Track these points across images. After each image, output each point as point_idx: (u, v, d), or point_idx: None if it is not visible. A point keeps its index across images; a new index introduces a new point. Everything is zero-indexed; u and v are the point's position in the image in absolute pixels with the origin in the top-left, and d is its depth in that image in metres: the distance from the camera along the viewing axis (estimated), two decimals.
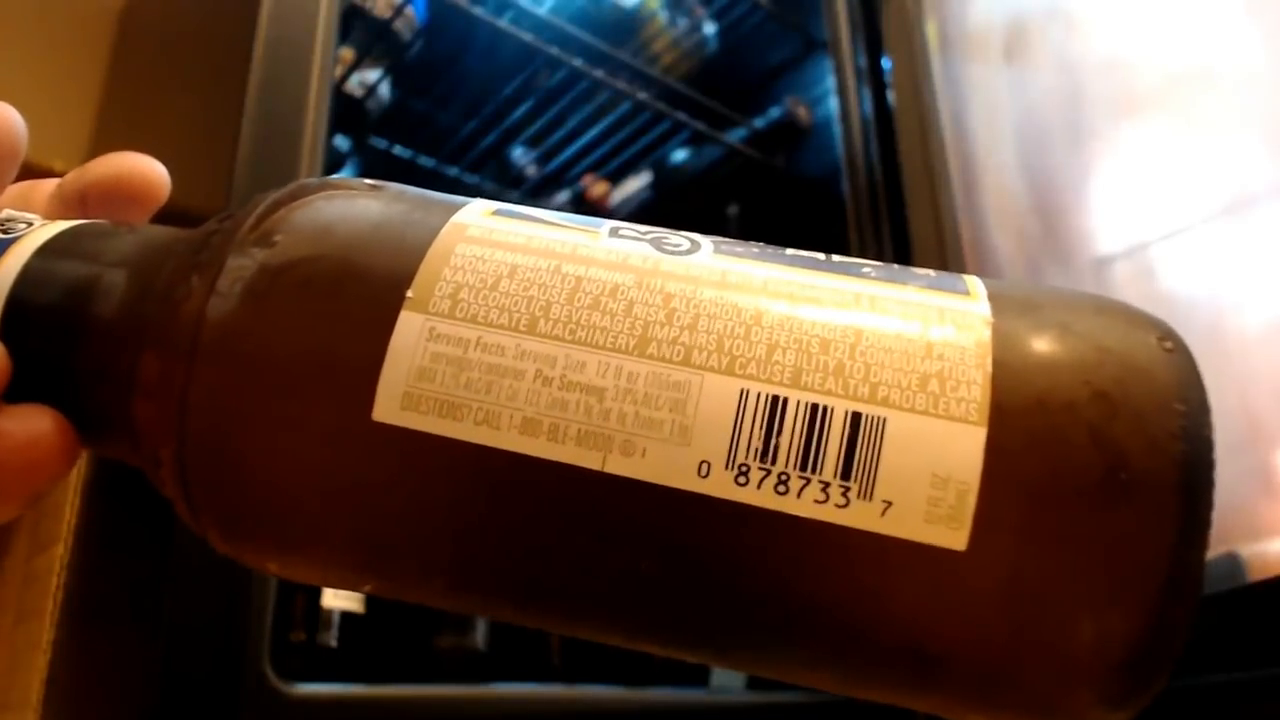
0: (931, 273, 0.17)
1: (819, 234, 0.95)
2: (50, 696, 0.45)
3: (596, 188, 0.99)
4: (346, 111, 0.78)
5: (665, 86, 0.92)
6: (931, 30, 0.97)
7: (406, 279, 0.16)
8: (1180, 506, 0.14)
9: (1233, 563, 0.63)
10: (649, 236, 0.17)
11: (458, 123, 0.91)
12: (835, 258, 0.17)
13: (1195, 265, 0.74)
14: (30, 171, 0.20)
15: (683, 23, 0.98)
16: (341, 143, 0.82)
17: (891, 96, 0.97)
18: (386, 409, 0.15)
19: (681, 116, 0.90)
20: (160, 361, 0.16)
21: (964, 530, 0.14)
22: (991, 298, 0.16)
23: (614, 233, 0.17)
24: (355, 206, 0.17)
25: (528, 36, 0.78)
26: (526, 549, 0.16)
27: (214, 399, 0.16)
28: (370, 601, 0.59)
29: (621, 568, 0.15)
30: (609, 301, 0.16)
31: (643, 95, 0.88)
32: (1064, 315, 0.16)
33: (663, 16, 0.96)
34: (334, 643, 0.57)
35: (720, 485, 0.15)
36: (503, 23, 0.78)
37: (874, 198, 0.94)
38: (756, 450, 0.15)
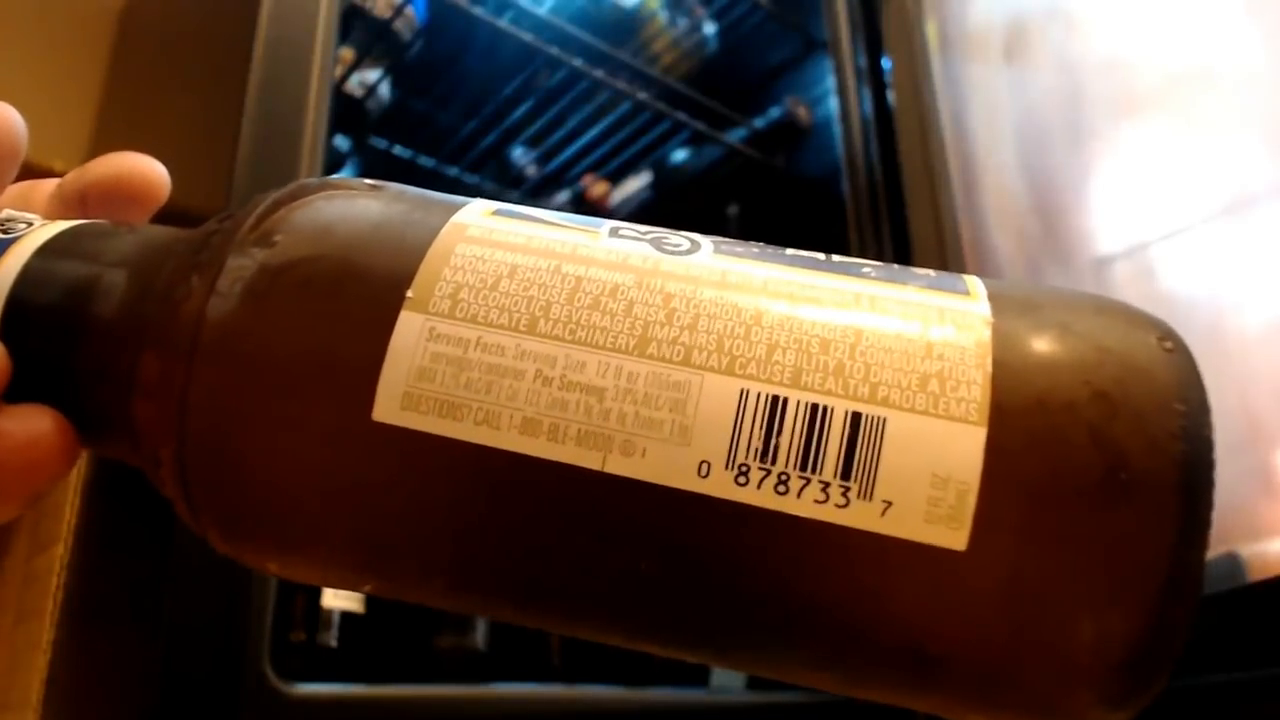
0: (931, 273, 0.17)
1: (819, 234, 0.95)
2: (50, 696, 0.45)
3: (596, 188, 0.99)
4: (346, 111, 0.78)
5: (665, 86, 0.92)
6: (931, 30, 0.97)
7: (406, 279, 0.16)
8: (1180, 506, 0.14)
9: (1233, 563, 0.63)
10: (649, 236, 0.17)
11: (458, 123, 0.91)
12: (835, 258, 0.17)
13: (1195, 265, 0.74)
14: (30, 171, 0.20)
15: (683, 23, 0.98)
16: (341, 143, 0.82)
17: (891, 96, 0.97)
18: (386, 409, 0.15)
19: (681, 116, 0.90)
20: (160, 361, 0.16)
21: (964, 530, 0.14)
22: (991, 298, 0.16)
23: (614, 233, 0.17)
24: (355, 206, 0.17)
25: (528, 36, 0.78)
26: (526, 549, 0.16)
27: (214, 399, 0.16)
28: (370, 601, 0.59)
29: (621, 568, 0.15)
30: (609, 301, 0.16)
31: (643, 95, 0.88)
32: (1064, 315, 0.16)
33: (663, 16, 0.96)
34: (334, 643, 0.57)
35: (720, 485, 0.15)
36: (503, 23, 0.78)
37: (874, 198, 0.94)
38: (756, 450, 0.15)
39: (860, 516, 0.14)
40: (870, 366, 0.15)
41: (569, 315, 0.16)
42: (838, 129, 0.97)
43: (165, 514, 0.20)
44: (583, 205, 0.97)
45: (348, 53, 0.76)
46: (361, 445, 0.15)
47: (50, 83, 0.83)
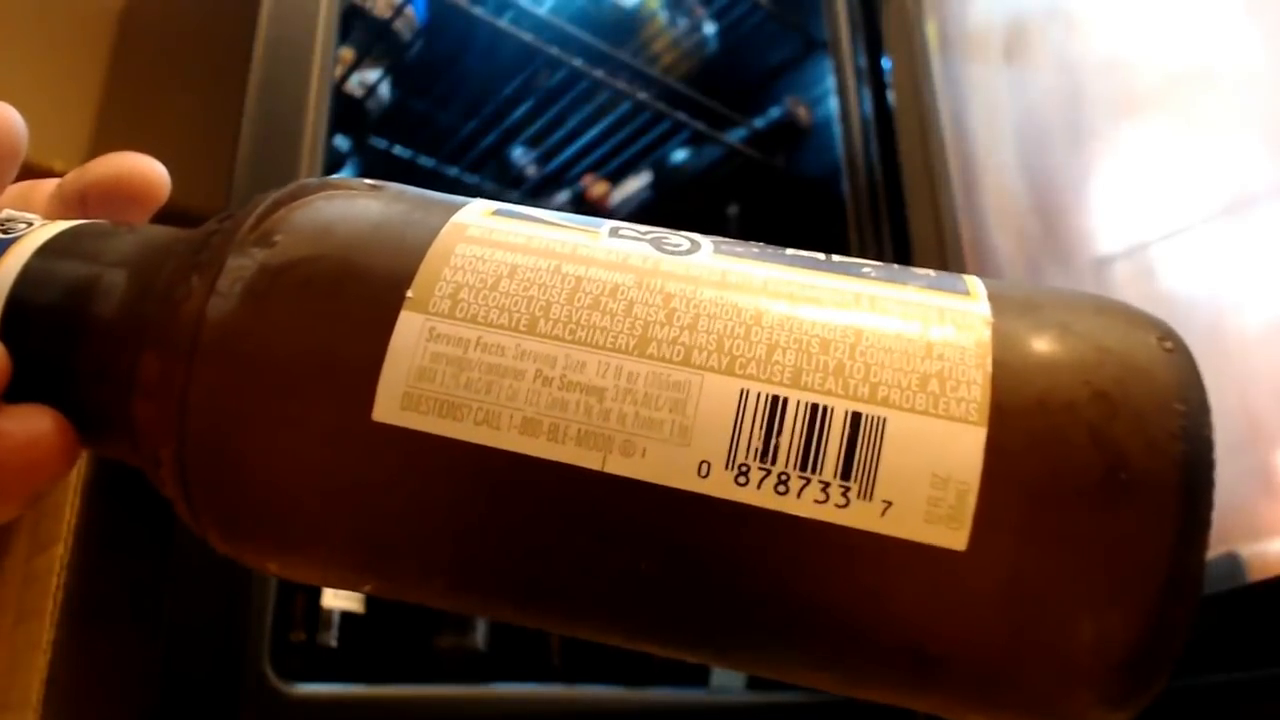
0: (931, 273, 0.17)
1: (819, 234, 0.95)
2: (50, 696, 0.45)
3: (596, 188, 0.99)
4: (346, 111, 0.78)
5: (665, 86, 0.92)
6: (931, 30, 0.97)
7: (406, 279, 0.16)
8: (1180, 507, 0.14)
9: (1233, 563, 0.63)
10: (649, 236, 0.17)
11: (458, 123, 0.91)
12: (835, 258, 0.17)
13: (1195, 265, 0.74)
14: (30, 171, 0.20)
15: (683, 23, 0.98)
16: (341, 143, 0.82)
17: (891, 96, 0.97)
18: (386, 409, 0.15)
19: (681, 116, 0.90)
20: (160, 361, 0.16)
21: (964, 530, 0.14)
22: (991, 298, 0.16)
23: (614, 233, 0.17)
24: (355, 206, 0.17)
25: (528, 36, 0.78)
26: (526, 549, 0.16)
27: (214, 399, 0.16)
28: (370, 601, 0.59)
29: (621, 568, 0.15)
30: (609, 301, 0.16)
31: (643, 95, 0.88)
32: (1064, 315, 0.16)
33: (663, 16, 0.96)
34: (334, 643, 0.57)
35: (720, 485, 0.15)
36: (503, 23, 0.78)
37: (874, 198, 0.94)
38: (756, 450, 0.15)
39: (860, 516, 0.14)
40: (870, 366, 0.15)
41: (569, 315, 0.16)
42: (838, 129, 0.97)
43: (165, 514, 0.20)
44: (583, 205, 0.97)
45: (348, 53, 0.76)
46: (361, 445, 0.15)
47: (50, 83, 0.83)
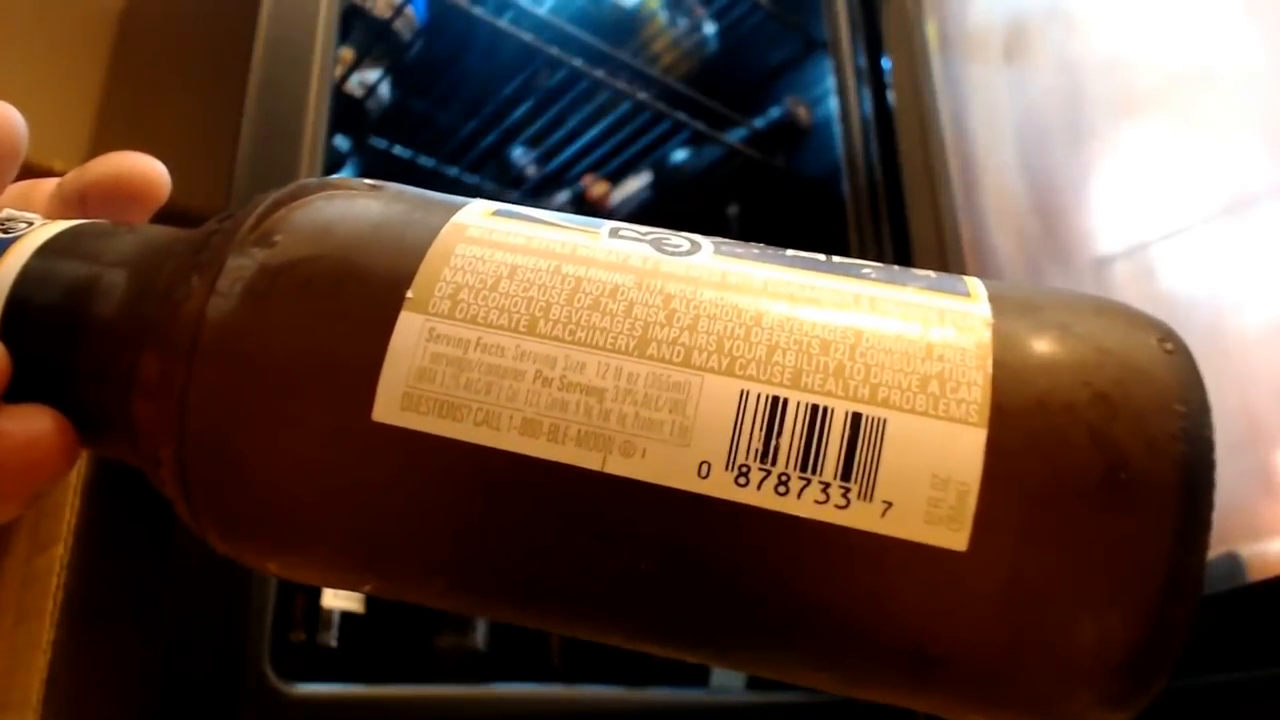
0: (932, 274, 0.17)
1: (819, 234, 0.95)
2: (50, 696, 0.45)
3: (596, 188, 0.99)
4: (346, 111, 0.78)
5: (665, 86, 0.92)
6: (931, 30, 0.97)
7: (406, 279, 0.16)
8: (1180, 507, 0.14)
9: (1233, 563, 0.63)
10: (649, 237, 0.17)
11: (458, 123, 0.91)
12: (835, 259, 0.17)
13: (1195, 265, 0.74)
14: (30, 171, 0.20)
15: (683, 23, 0.98)
16: (341, 143, 0.82)
17: (891, 96, 0.97)
18: (386, 409, 0.15)
19: (681, 116, 0.90)
20: (160, 361, 0.16)
21: (964, 531, 0.14)
22: (992, 299, 0.16)
23: (614, 233, 0.17)
24: (355, 206, 0.17)
25: (528, 36, 0.78)
26: (526, 549, 0.16)
27: (214, 399, 0.16)
28: (370, 601, 0.59)
29: (621, 568, 0.15)
30: (609, 302, 0.16)
31: (643, 95, 0.88)
32: (1064, 316, 0.16)
33: (663, 16, 0.96)
34: (334, 643, 0.57)
35: (720, 486, 0.15)
36: (503, 23, 0.78)
37: (874, 198, 0.94)
38: (757, 451, 0.15)
39: (860, 517, 0.14)
40: (870, 367, 0.15)
41: (569, 316, 0.16)
42: (838, 129, 0.97)
43: (165, 514, 0.20)
44: (583, 205, 0.97)
45: (348, 53, 0.76)
46: (361, 445, 0.15)
47: (50, 83, 0.83)
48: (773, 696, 0.73)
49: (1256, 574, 0.63)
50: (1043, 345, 0.15)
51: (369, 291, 0.16)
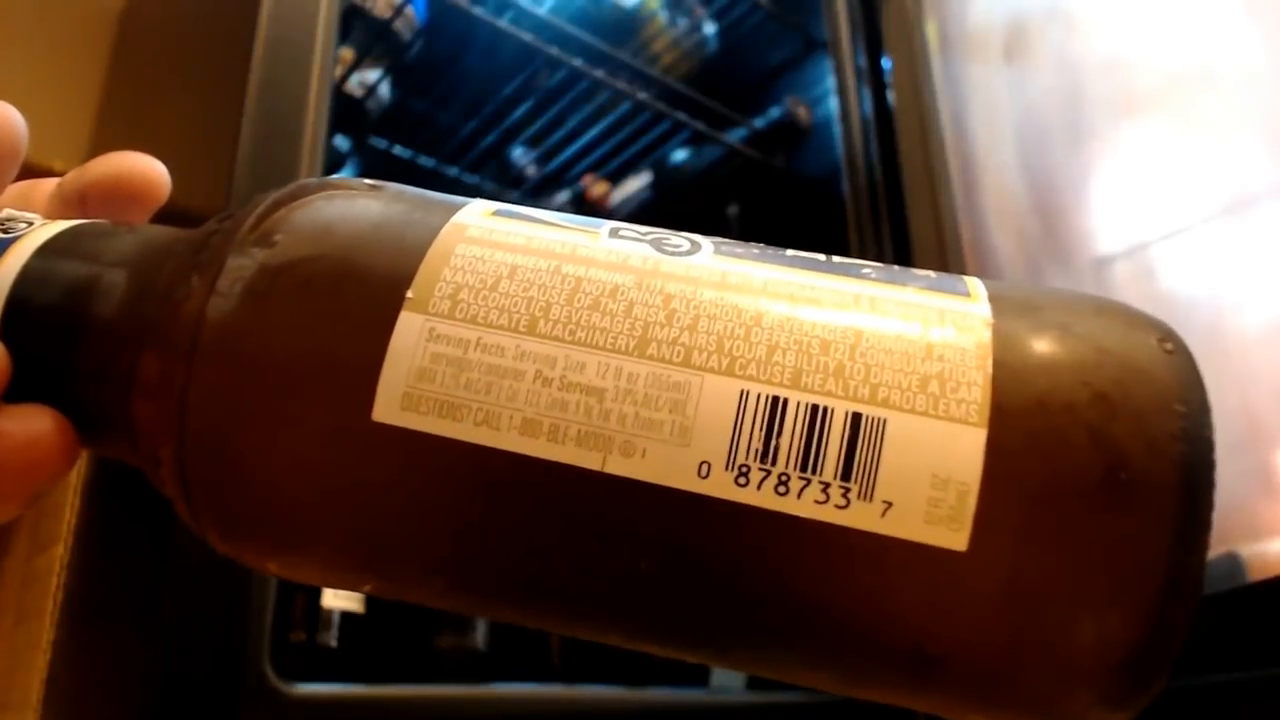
0: (932, 274, 0.17)
1: (819, 234, 0.95)
2: (50, 696, 0.45)
3: (596, 188, 0.99)
4: (346, 111, 0.78)
5: (665, 86, 0.92)
6: (931, 30, 0.97)
7: (406, 279, 0.16)
8: (1180, 507, 0.14)
9: (1233, 563, 0.63)
10: (649, 237, 0.17)
11: (458, 123, 0.91)
12: (835, 259, 0.17)
13: (1195, 265, 0.74)
14: (30, 171, 0.20)
15: (683, 23, 0.98)
16: (341, 143, 0.82)
17: (891, 96, 0.97)
18: (386, 409, 0.15)
19: (681, 116, 0.90)
20: (160, 361, 0.16)
21: (964, 531, 0.14)
22: (992, 299, 0.16)
23: (614, 233, 0.17)
24: (355, 206, 0.17)
25: (528, 36, 0.78)
26: (526, 549, 0.16)
27: (214, 399, 0.16)
28: (370, 601, 0.59)
29: (621, 568, 0.15)
30: (609, 302, 0.16)
31: (643, 95, 0.88)
32: (1064, 316, 0.16)
33: (663, 16, 0.96)
34: (334, 643, 0.57)
35: (720, 486, 0.15)
36: (503, 23, 0.78)
37: (874, 198, 0.94)
38: (757, 451, 0.15)
39: (860, 517, 0.14)
40: (870, 367, 0.15)
41: (569, 316, 0.16)
42: (838, 129, 0.97)
43: (165, 514, 0.20)
44: (583, 205, 0.97)
45: (348, 53, 0.76)
46: (361, 445, 0.15)
47: (50, 83, 0.83)
48: (773, 696, 0.73)
49: (1256, 574, 0.63)
50: (1043, 345, 0.15)
51: (369, 291, 0.16)
